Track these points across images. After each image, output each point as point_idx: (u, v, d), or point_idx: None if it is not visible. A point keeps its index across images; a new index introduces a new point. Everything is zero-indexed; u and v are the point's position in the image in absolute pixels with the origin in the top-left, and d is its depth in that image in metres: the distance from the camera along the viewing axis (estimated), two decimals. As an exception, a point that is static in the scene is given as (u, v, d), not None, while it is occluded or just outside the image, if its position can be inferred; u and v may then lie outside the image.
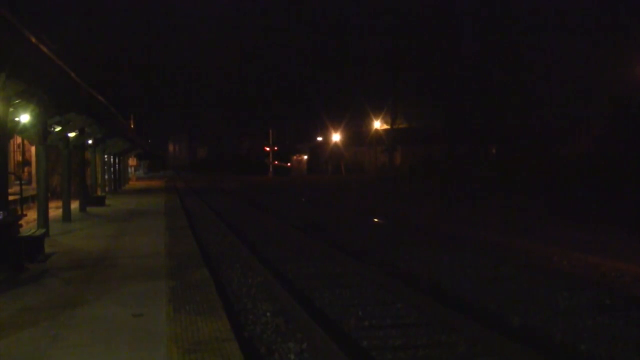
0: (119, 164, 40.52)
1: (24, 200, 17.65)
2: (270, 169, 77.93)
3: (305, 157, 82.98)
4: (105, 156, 32.40)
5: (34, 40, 11.21)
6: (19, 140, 26.43)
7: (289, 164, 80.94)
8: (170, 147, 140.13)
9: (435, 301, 8.16)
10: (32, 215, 16.83)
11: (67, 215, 17.63)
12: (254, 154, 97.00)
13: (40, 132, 14.25)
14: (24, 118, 14.32)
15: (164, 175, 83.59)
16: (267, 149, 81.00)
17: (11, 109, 12.46)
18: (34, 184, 23.07)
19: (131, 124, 61.96)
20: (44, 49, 12.11)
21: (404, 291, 8.82)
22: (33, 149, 23.58)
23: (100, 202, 24.07)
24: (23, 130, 16.55)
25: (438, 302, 8.14)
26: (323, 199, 31.16)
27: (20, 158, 28.12)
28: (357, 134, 76.33)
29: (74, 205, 19.47)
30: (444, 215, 21.01)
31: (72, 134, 19.09)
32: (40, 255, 10.82)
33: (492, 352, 6.33)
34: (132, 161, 61.30)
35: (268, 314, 8.00)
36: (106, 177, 32.97)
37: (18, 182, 18.89)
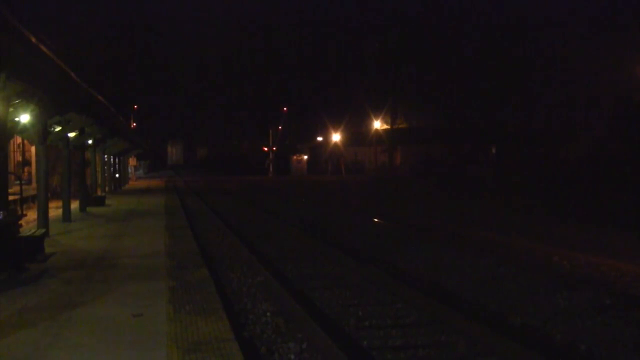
0: (119, 164, 40.52)
1: (24, 200, 17.66)
2: (270, 169, 77.95)
3: (305, 157, 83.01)
4: (105, 156, 32.40)
5: (34, 40, 11.21)
6: (19, 140, 26.42)
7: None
8: (170, 147, 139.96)
9: (435, 301, 8.16)
10: (32, 215, 16.83)
11: (67, 215, 17.62)
12: (253, 154, 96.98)
13: (40, 132, 14.24)
14: (24, 118, 14.31)
15: (163, 175, 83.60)
16: (267, 149, 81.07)
17: (11, 109, 12.45)
18: (34, 184, 23.06)
19: (131, 124, 61.98)
20: (44, 49, 12.10)
21: (404, 291, 8.82)
22: (33, 149, 23.58)
23: (100, 202, 24.06)
24: (23, 130, 16.54)
25: (438, 302, 8.15)
26: (323, 199, 31.15)
27: (20, 158, 28.11)
28: (357, 134, 76.33)
29: (74, 205, 19.47)
30: (443, 215, 21.02)
31: (72, 134, 19.09)
32: (40, 255, 10.80)
33: (492, 352, 6.33)
34: (132, 161, 61.30)
35: (268, 314, 8.00)
36: (106, 176, 32.97)
37: (18, 182, 18.89)
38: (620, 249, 12.33)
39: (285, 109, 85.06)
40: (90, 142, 24.45)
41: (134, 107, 72.70)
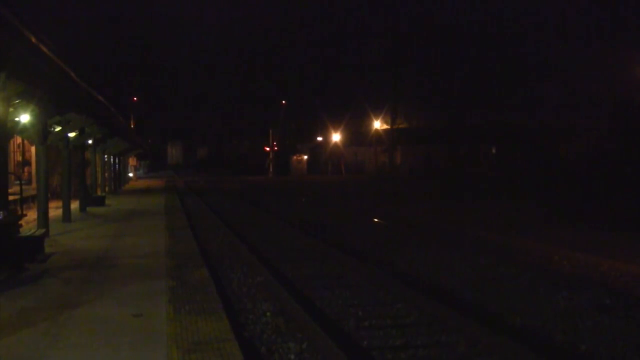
0: (119, 164, 40.52)
1: (24, 200, 17.64)
2: (270, 169, 77.96)
3: (305, 157, 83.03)
4: (105, 156, 32.39)
5: (34, 40, 11.19)
6: (19, 140, 26.42)
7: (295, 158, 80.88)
8: (170, 147, 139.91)
9: (435, 301, 8.16)
10: (32, 215, 16.82)
11: (67, 215, 17.61)
12: (253, 154, 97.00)
13: (40, 132, 14.24)
14: (24, 118, 14.30)
15: (163, 175, 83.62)
16: (267, 149, 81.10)
17: (11, 109, 12.45)
18: (34, 184, 23.06)
19: (131, 124, 61.94)
20: (44, 49, 12.08)
21: (404, 291, 8.82)
22: (33, 149, 23.58)
23: (100, 202, 24.06)
24: (23, 130, 16.54)
25: (438, 302, 8.14)
26: (323, 199, 31.15)
27: (20, 158, 28.12)
28: (357, 134, 76.38)
29: (74, 205, 19.46)
30: (443, 215, 21.01)
31: (72, 134, 19.08)
32: (40, 255, 10.80)
33: (492, 352, 6.33)
34: (132, 161, 61.31)
35: (268, 314, 8.00)
36: (106, 176, 32.97)
37: (18, 182, 18.88)
38: (620, 249, 12.33)
39: (284, 102, 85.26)
40: (90, 142, 24.45)
41: (133, 99, 72.77)
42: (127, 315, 6.97)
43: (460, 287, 9.50)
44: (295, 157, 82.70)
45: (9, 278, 9.17)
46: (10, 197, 14.29)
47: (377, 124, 69.67)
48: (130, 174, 59.02)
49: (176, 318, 6.80)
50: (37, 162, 15.29)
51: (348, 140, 77.36)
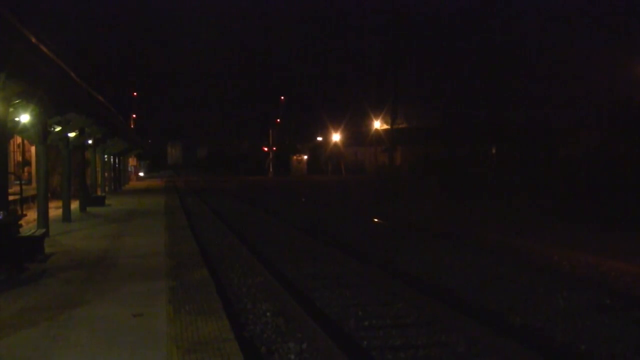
0: (119, 164, 40.52)
1: (24, 200, 17.65)
2: (270, 169, 77.99)
3: (305, 157, 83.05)
4: (105, 156, 32.39)
5: (34, 40, 11.20)
6: (19, 140, 26.42)
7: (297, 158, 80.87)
8: (170, 147, 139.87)
9: (435, 301, 8.16)
10: (32, 215, 16.82)
11: (67, 215, 17.62)
12: (253, 154, 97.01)
13: (40, 132, 14.24)
14: (24, 118, 14.30)
15: (163, 175, 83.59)
16: (266, 149, 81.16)
17: (11, 109, 12.45)
18: (34, 184, 23.06)
19: (131, 124, 62.00)
20: (44, 49, 12.09)
21: (404, 291, 8.82)
22: (33, 149, 23.58)
23: (100, 202, 24.07)
24: (23, 130, 16.53)
25: (438, 301, 8.14)
26: (323, 199, 31.15)
27: (20, 158, 28.11)
28: (357, 134, 76.37)
29: (74, 205, 19.47)
30: (443, 215, 21.01)
31: (72, 134, 19.08)
32: (40, 255, 10.80)
33: (492, 352, 6.33)
34: (132, 161, 61.31)
35: (268, 314, 8.00)
36: (106, 176, 32.97)
37: (18, 182, 18.89)
38: (620, 249, 12.33)
39: (282, 98, 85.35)
40: (90, 142, 24.45)
41: (133, 94, 73.05)
42: (127, 315, 6.97)
43: (460, 287, 9.50)
44: (295, 157, 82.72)
45: (9, 278, 9.17)
46: (10, 197, 14.29)
47: (377, 124, 69.66)
48: (142, 173, 59.08)
49: (176, 318, 6.81)
50: (37, 162, 15.29)
51: (348, 140, 77.37)
